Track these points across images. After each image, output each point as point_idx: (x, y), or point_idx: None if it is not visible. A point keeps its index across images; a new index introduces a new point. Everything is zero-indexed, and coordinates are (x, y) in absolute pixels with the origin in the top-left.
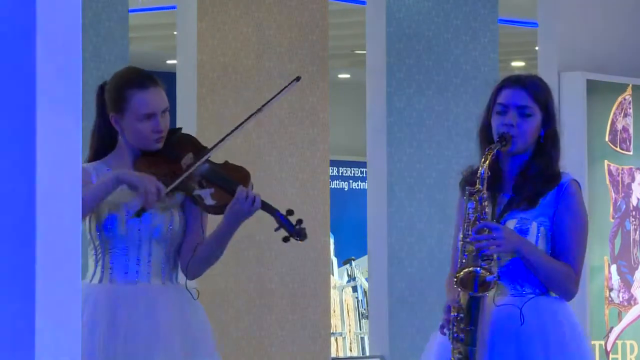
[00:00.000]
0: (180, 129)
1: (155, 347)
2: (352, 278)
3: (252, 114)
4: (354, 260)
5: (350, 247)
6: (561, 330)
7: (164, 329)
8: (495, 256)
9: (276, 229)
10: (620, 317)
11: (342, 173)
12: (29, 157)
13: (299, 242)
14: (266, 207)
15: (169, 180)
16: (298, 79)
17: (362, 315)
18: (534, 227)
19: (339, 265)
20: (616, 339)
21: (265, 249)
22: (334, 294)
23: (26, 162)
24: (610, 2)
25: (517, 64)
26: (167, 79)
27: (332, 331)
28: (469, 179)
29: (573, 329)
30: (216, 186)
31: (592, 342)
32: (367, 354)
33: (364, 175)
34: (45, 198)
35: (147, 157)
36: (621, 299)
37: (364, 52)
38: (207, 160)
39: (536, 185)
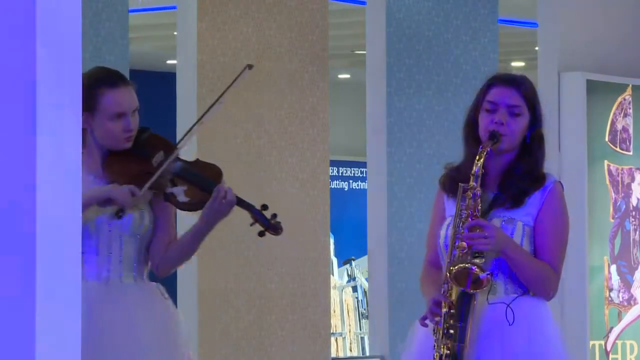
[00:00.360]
0: (148, 128)
1: (130, 346)
2: (352, 278)
3: (211, 106)
4: (354, 260)
5: (350, 247)
6: (546, 333)
7: (138, 328)
8: (485, 254)
9: (251, 224)
10: (620, 317)
11: (342, 173)
12: (29, 157)
13: (274, 236)
14: (241, 202)
15: (143, 179)
16: (250, 67)
17: (362, 315)
18: (519, 226)
19: (339, 265)
20: (616, 339)
21: (265, 249)
22: (334, 294)
23: (26, 162)
24: (610, 2)
25: (517, 64)
26: (168, 79)
27: (332, 331)
28: (452, 176)
29: (555, 332)
30: (189, 183)
31: (592, 342)
32: (367, 354)
33: (364, 175)
34: (45, 198)
35: (116, 156)
36: (621, 299)
37: (364, 52)
38: (179, 159)
39: (522, 185)
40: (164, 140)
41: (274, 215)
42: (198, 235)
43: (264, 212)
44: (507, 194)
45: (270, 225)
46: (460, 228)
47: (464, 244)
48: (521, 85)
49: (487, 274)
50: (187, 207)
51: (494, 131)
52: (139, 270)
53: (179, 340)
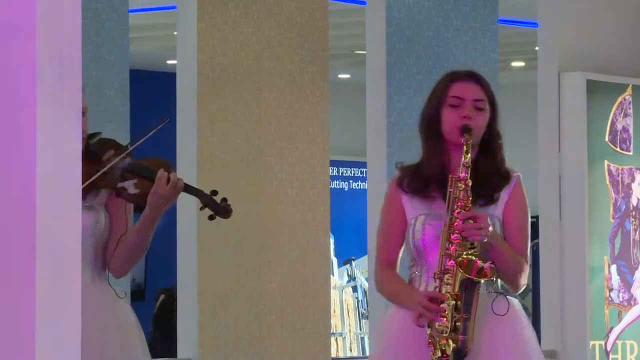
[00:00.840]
0: (100, 133)
1: (86, 345)
2: (352, 278)
3: (131, 148)
4: (354, 260)
5: (350, 247)
6: (526, 333)
7: (94, 328)
8: (478, 244)
9: (201, 208)
10: (620, 317)
11: (342, 173)
12: (29, 157)
13: (225, 219)
14: (189, 188)
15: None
16: (168, 120)
17: (362, 315)
18: (497, 221)
19: (339, 265)
20: (616, 339)
21: (265, 249)
22: (334, 294)
23: (26, 162)
24: (610, 3)
25: (517, 64)
26: (168, 79)
27: (332, 331)
28: (414, 175)
29: (532, 333)
30: (138, 176)
31: (592, 342)
32: (367, 354)
33: (364, 175)
34: (45, 197)
35: None
36: (621, 299)
37: (364, 52)
38: (129, 156)
39: (493, 183)
40: (114, 142)
41: (224, 200)
42: (145, 225)
43: (214, 197)
44: (477, 191)
45: (219, 209)
46: (452, 220)
47: (458, 235)
48: (482, 81)
49: (490, 264)
50: (137, 198)
51: (466, 125)
52: (96, 270)
53: (127, 340)
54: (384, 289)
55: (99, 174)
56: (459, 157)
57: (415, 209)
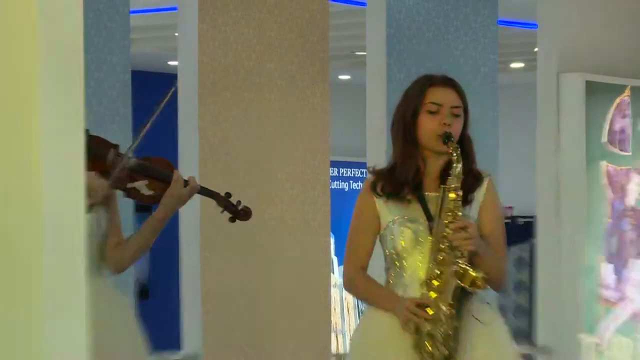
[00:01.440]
0: (87, 130)
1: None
2: None
3: (147, 123)
4: None
5: None
6: (505, 336)
7: (102, 325)
8: (467, 253)
9: (221, 211)
10: (614, 314)
11: (342, 174)
12: (30, 158)
13: (245, 221)
14: (204, 191)
15: (103, 177)
16: (173, 88)
17: (361, 312)
18: (475, 223)
19: (339, 264)
20: (610, 336)
21: (266, 249)
22: (334, 292)
23: (27, 164)
24: (610, 4)
25: (517, 65)
26: (169, 80)
27: (332, 328)
28: (389, 179)
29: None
30: (149, 177)
31: (586, 340)
32: None
33: (364, 175)
34: (48, 198)
35: None
36: (615, 298)
37: (364, 53)
38: (132, 152)
39: (467, 184)
40: (105, 140)
41: (239, 202)
42: (156, 224)
43: (230, 200)
44: None
45: (239, 212)
46: (444, 228)
47: (450, 244)
48: (458, 86)
49: (482, 275)
50: (152, 199)
51: (448, 133)
52: (98, 268)
53: (132, 334)
54: (361, 291)
55: (115, 172)
56: (433, 161)
57: (391, 212)
